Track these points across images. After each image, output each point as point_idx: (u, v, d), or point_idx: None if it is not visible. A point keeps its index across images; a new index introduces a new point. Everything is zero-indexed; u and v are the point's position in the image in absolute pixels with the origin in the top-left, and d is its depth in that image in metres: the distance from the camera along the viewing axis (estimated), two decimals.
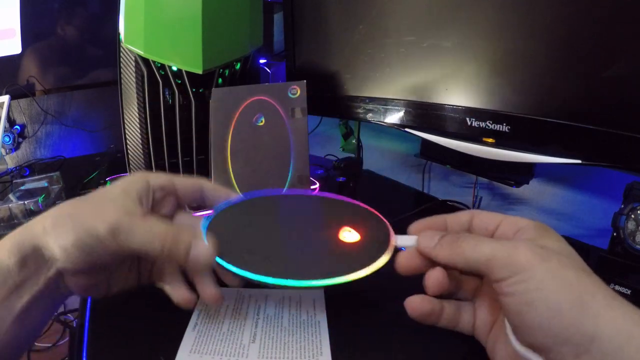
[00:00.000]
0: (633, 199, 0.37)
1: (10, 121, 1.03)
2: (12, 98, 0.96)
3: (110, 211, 0.28)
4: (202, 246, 0.29)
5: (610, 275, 0.38)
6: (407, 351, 0.32)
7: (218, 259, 0.29)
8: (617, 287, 0.37)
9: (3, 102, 0.94)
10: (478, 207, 0.70)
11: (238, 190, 0.47)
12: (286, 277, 0.29)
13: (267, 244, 0.32)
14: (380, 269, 0.29)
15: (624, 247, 0.37)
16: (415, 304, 0.28)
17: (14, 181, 0.86)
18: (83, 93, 1.08)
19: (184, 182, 0.33)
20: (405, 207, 0.61)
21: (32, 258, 0.27)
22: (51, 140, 1.07)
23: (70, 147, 1.06)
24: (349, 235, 0.32)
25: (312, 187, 0.64)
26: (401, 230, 0.33)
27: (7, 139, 1.01)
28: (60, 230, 0.27)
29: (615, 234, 0.38)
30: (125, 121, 0.55)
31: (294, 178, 0.46)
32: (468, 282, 0.30)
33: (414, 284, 0.29)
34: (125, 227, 0.27)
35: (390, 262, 0.30)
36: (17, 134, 1.05)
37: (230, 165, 0.47)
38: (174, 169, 0.56)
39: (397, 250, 0.31)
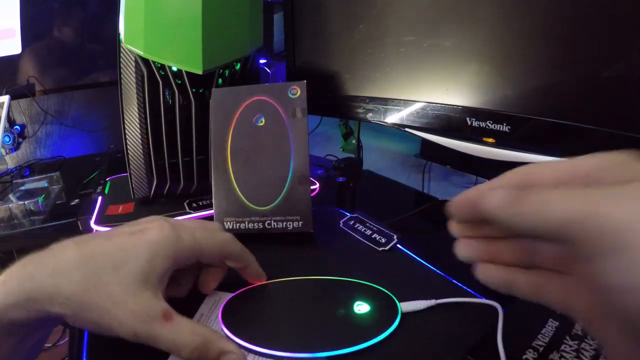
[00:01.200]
0: None
1: (10, 121, 1.04)
2: (12, 98, 0.96)
3: (127, 309, 0.26)
4: (233, 357, 0.28)
5: None
6: None
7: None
8: None
9: (3, 102, 0.94)
10: None
11: (238, 189, 0.47)
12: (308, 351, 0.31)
13: (283, 323, 0.34)
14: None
15: None
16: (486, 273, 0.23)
17: (14, 181, 0.86)
18: (83, 93, 1.08)
19: (209, 246, 0.32)
20: (404, 207, 0.61)
21: (38, 318, 0.26)
22: (51, 140, 1.07)
23: (70, 147, 1.07)
24: (361, 308, 0.35)
25: (312, 187, 0.64)
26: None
27: (7, 139, 1.01)
28: (74, 318, 0.26)
29: None
30: (125, 121, 0.55)
31: (294, 178, 0.46)
32: (547, 249, 0.21)
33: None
34: (146, 336, 0.26)
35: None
36: (17, 134, 1.06)
37: (230, 165, 0.47)
38: (174, 169, 0.56)
39: (405, 316, 0.35)
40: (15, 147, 1.05)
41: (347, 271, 0.41)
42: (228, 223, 0.47)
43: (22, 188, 0.84)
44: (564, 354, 0.32)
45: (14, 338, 0.26)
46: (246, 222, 0.47)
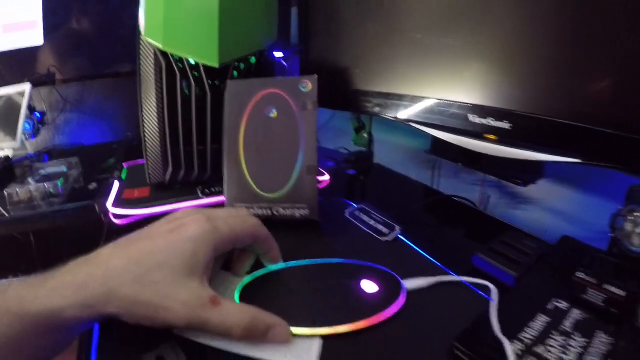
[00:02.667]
0: (633, 201, 0.36)
1: (31, 109, 1.06)
2: (33, 86, 0.99)
3: (178, 301, 0.28)
4: (280, 331, 0.30)
5: (605, 276, 0.38)
6: None
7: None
8: (612, 289, 0.37)
9: (24, 91, 0.97)
10: (486, 207, 0.71)
11: (248, 176, 0.49)
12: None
13: (298, 302, 0.36)
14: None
15: (621, 248, 0.37)
16: None
17: (34, 165, 0.89)
18: (102, 83, 1.10)
19: (244, 232, 0.34)
20: (412, 201, 0.63)
21: (91, 317, 0.28)
22: (70, 128, 1.10)
23: (88, 135, 1.09)
24: (368, 287, 0.38)
25: (322, 178, 0.66)
26: None
27: (27, 125, 1.04)
28: (128, 315, 0.28)
29: (613, 236, 0.38)
30: (144, 110, 0.57)
31: (303, 168, 0.48)
32: None
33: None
34: (198, 322, 0.28)
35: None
36: (38, 121, 1.08)
37: (242, 154, 0.49)
38: (189, 157, 0.58)
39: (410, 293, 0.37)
40: (35, 133, 1.08)
41: (351, 258, 0.43)
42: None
43: (42, 172, 0.87)
44: (550, 348, 0.33)
45: (62, 334, 0.29)
46: (255, 208, 0.49)
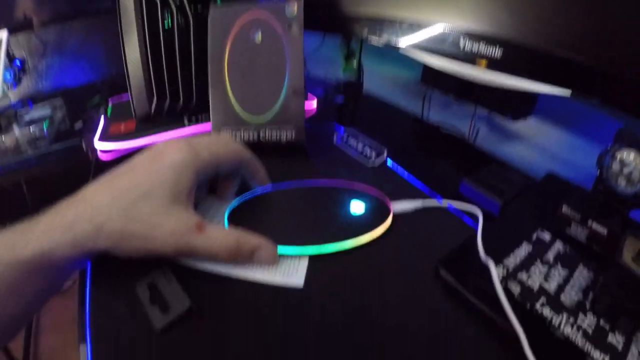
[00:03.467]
0: (621, 141, 0.36)
1: (10, 57, 1.02)
2: (10, 33, 0.95)
3: (166, 230, 0.28)
4: (265, 252, 0.31)
5: (588, 214, 0.38)
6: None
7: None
8: (594, 225, 0.37)
9: (1, 39, 0.93)
10: (475, 139, 0.71)
11: (234, 101, 0.48)
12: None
13: (286, 223, 0.36)
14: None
15: (606, 187, 0.37)
16: None
17: (18, 113, 0.87)
18: (81, 22, 1.06)
19: (226, 156, 0.34)
20: (400, 129, 0.62)
21: (81, 254, 0.28)
22: (52, 72, 1.07)
23: (71, 77, 1.07)
24: (356, 208, 0.37)
25: (310, 104, 0.65)
26: None
27: (7, 75, 1.01)
28: (117, 249, 0.28)
29: (599, 173, 0.37)
30: (125, 44, 0.55)
31: (289, 91, 0.47)
32: None
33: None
34: (186, 249, 0.28)
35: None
36: (18, 70, 1.05)
37: (227, 79, 0.48)
38: (173, 86, 0.57)
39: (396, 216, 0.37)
40: (17, 82, 1.05)
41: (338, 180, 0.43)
42: (225, 133, 0.49)
43: (26, 118, 0.86)
44: (532, 275, 0.34)
45: (55, 275, 0.29)
46: (242, 132, 0.48)
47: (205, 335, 0.28)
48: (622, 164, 0.36)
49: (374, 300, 0.31)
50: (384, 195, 0.40)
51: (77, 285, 0.35)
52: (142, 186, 0.29)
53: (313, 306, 0.30)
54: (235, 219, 0.36)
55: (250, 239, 0.31)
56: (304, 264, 0.33)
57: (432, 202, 0.40)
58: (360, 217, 0.37)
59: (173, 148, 0.31)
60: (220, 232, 0.30)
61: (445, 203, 0.41)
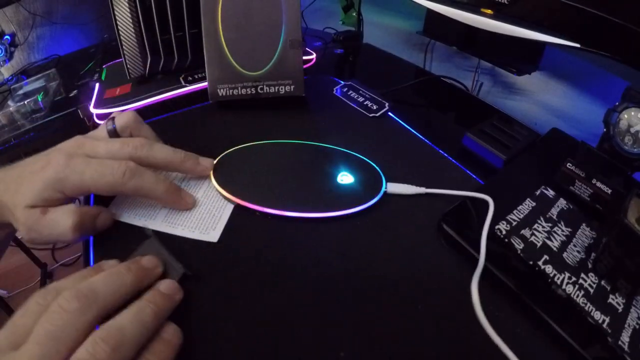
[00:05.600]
0: (629, 100, 0.35)
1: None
2: None
3: (19, 220, 0.31)
4: (104, 216, 0.33)
5: (594, 171, 0.37)
6: None
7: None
8: (599, 184, 0.36)
9: None
10: (478, 93, 0.69)
11: (230, 56, 0.47)
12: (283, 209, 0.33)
13: (269, 183, 0.35)
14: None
15: (612, 145, 0.36)
16: None
17: (12, 88, 0.86)
18: None
19: (95, 186, 0.32)
20: (401, 80, 0.60)
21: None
22: (44, 43, 1.05)
23: (64, 45, 1.04)
24: (345, 179, 0.36)
25: (309, 57, 0.64)
26: None
27: None
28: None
29: (605, 131, 0.36)
30: (115, 4, 0.53)
31: (286, 42, 0.46)
32: None
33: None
34: (38, 236, 0.31)
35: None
36: (8, 44, 1.03)
37: (221, 33, 0.46)
38: (166, 44, 0.55)
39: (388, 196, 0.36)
40: (9, 57, 1.03)
41: (338, 136, 0.42)
42: (221, 90, 0.47)
43: (21, 92, 0.84)
44: (535, 232, 0.34)
45: None
46: (239, 88, 0.47)
47: (204, 299, 0.28)
48: (630, 122, 0.35)
49: (378, 255, 0.32)
50: (383, 154, 0.39)
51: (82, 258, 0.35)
52: (15, 183, 0.31)
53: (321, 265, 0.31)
54: (221, 172, 0.36)
55: (92, 209, 0.33)
56: (223, 220, 0.33)
57: (432, 190, 0.37)
58: (350, 187, 0.36)
59: (53, 164, 0.31)
60: (62, 210, 0.31)
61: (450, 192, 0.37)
